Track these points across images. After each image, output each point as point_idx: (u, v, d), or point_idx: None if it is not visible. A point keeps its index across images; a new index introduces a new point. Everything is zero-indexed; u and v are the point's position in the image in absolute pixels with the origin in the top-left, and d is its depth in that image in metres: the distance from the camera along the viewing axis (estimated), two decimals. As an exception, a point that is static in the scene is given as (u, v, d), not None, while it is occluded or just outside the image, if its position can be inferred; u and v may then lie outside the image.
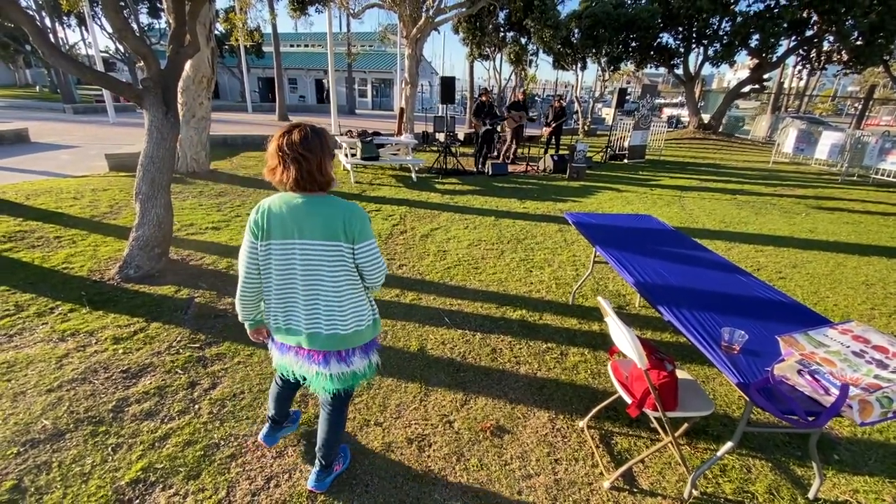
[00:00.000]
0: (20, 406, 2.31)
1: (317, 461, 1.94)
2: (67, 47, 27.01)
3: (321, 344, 1.66)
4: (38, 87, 32.72)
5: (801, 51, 17.15)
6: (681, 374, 2.06)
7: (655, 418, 2.23)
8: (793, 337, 1.62)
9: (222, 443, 2.16)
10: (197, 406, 2.40)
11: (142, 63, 3.71)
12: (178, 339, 2.99)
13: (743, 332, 1.77)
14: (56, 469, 1.96)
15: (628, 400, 1.93)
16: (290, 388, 2.04)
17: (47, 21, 21.32)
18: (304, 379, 1.80)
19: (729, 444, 1.77)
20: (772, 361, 1.68)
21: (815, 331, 1.64)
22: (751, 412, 1.74)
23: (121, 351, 2.82)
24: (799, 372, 1.56)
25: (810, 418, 1.43)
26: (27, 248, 4.19)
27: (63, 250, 4.20)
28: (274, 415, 2.10)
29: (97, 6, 16.55)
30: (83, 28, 25.63)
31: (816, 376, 1.49)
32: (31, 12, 3.38)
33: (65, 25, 26.96)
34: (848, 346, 1.52)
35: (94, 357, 2.74)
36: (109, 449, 2.09)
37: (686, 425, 2.18)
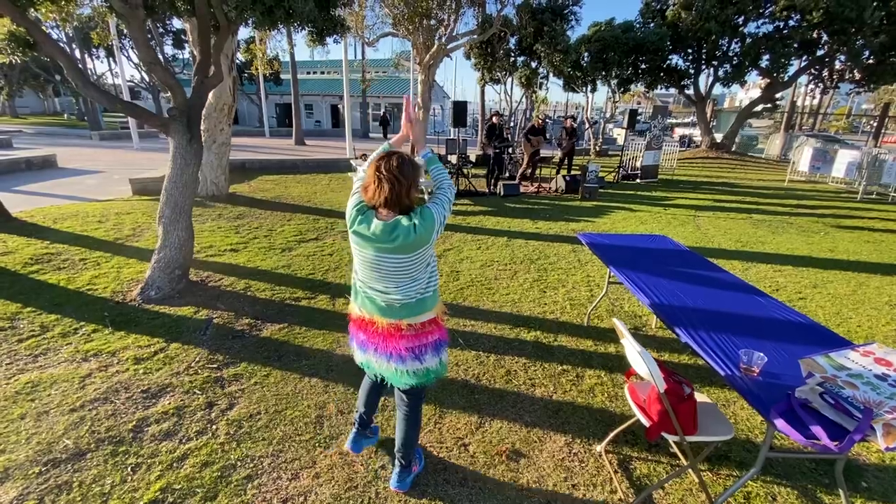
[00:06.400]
0: (43, 425, 2.36)
1: (396, 462, 2.07)
2: (95, 77, 28.25)
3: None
4: (66, 115, 34.20)
5: (812, 70, 17.09)
6: (700, 397, 2.03)
7: (675, 443, 2.19)
8: (813, 359, 1.60)
9: (239, 464, 2.18)
10: (214, 426, 2.42)
11: (168, 93, 3.89)
12: (197, 359, 3.04)
13: (762, 355, 1.75)
14: (77, 489, 1.99)
15: (646, 423, 1.91)
16: (379, 381, 2.12)
17: (77, 53, 22.42)
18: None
19: (752, 471, 1.72)
20: (792, 384, 1.65)
21: (836, 353, 1.62)
22: (773, 437, 1.70)
23: (141, 371, 2.87)
24: (821, 395, 1.53)
25: (834, 443, 1.40)
26: (53, 270, 4.33)
27: (88, 272, 4.34)
28: (361, 413, 2.22)
29: (125, 39, 17.41)
30: (111, 59, 26.84)
31: (839, 400, 1.46)
32: (61, 45, 3.58)
33: (93, 57, 28.29)
34: (870, 370, 1.49)
35: (116, 377, 2.80)
36: (129, 469, 2.12)
37: (707, 450, 2.13)
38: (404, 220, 1.65)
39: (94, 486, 2.02)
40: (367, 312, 1.85)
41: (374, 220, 1.68)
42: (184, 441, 2.31)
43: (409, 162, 1.68)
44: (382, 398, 2.68)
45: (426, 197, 7.80)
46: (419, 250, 1.70)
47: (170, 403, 2.58)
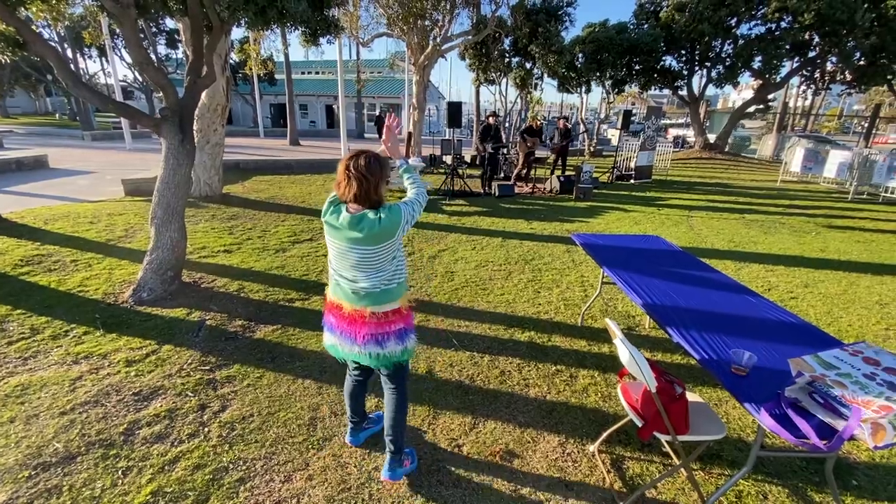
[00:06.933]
0: (33, 429, 2.34)
1: (387, 449, 2.10)
2: (87, 77, 28.01)
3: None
4: (57, 115, 33.86)
5: (804, 71, 17.26)
6: (692, 396, 2.04)
7: (667, 442, 2.20)
8: (803, 359, 1.61)
9: (231, 466, 2.17)
10: (206, 429, 2.41)
11: (160, 93, 3.87)
12: (189, 361, 3.02)
13: (752, 354, 1.76)
14: (66, 493, 1.97)
15: (639, 423, 1.92)
16: (358, 383, 2.23)
17: (69, 52, 22.24)
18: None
19: (743, 470, 1.73)
20: (782, 384, 1.66)
21: (825, 353, 1.63)
22: (764, 436, 1.72)
23: (133, 373, 2.85)
24: (810, 395, 1.55)
25: (823, 442, 1.41)
26: (44, 272, 4.29)
27: (79, 273, 4.30)
28: (350, 415, 2.30)
29: (118, 38, 17.30)
30: (103, 59, 26.62)
31: (828, 399, 1.47)
32: (52, 44, 3.54)
33: (85, 56, 28.05)
34: (859, 369, 1.50)
35: (107, 380, 2.77)
36: (120, 472, 2.10)
37: (699, 449, 2.14)
38: (370, 214, 1.78)
39: (84, 489, 2.00)
40: (336, 298, 1.97)
41: (342, 212, 1.83)
42: (175, 444, 2.29)
43: (377, 160, 1.81)
44: (376, 399, 2.68)
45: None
46: (384, 243, 1.82)
47: (161, 406, 2.56)
